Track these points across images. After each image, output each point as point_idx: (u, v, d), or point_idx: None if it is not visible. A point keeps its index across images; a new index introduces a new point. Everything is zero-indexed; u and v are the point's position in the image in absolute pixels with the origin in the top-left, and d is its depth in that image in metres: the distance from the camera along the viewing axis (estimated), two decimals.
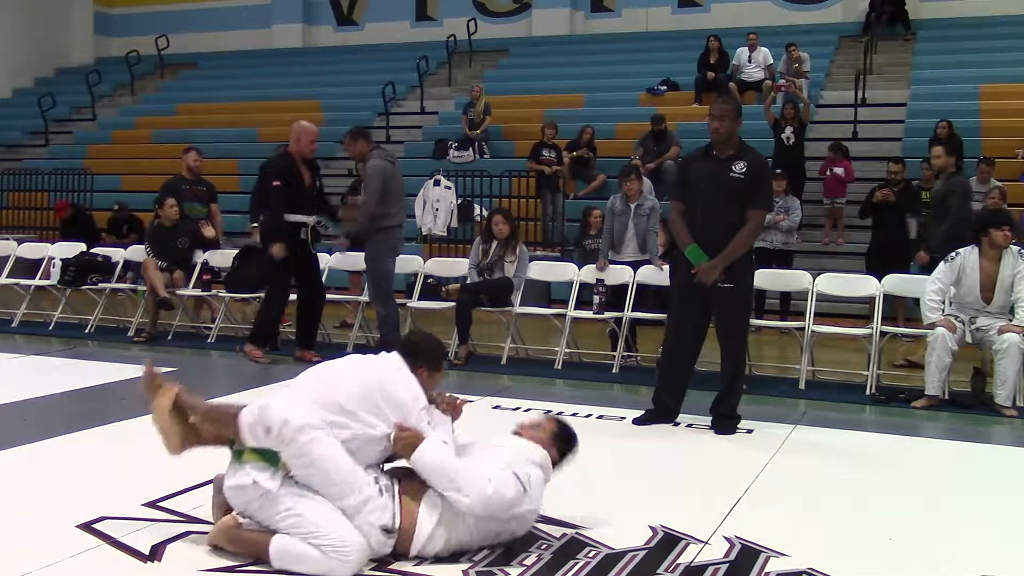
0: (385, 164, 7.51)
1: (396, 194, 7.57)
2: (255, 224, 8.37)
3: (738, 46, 14.72)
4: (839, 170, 11.69)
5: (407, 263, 8.78)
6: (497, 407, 5.89)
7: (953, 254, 6.47)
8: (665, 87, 15.39)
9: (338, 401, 3.27)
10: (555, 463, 3.56)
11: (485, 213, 9.67)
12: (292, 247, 7.40)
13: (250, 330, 7.79)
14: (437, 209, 12.11)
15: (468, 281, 8.09)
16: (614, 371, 7.37)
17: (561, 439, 3.62)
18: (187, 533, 3.44)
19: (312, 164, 7.63)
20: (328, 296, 8.61)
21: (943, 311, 6.39)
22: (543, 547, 3.38)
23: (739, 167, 5.29)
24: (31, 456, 4.56)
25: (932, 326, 6.31)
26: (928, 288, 6.43)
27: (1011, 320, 6.24)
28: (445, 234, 12.20)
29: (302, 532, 3.11)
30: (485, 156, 14.12)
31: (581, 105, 15.51)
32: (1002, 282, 6.27)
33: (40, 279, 9.73)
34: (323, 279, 8.07)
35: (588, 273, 7.96)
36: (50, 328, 9.08)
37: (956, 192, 7.89)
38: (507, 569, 3.19)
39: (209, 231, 9.04)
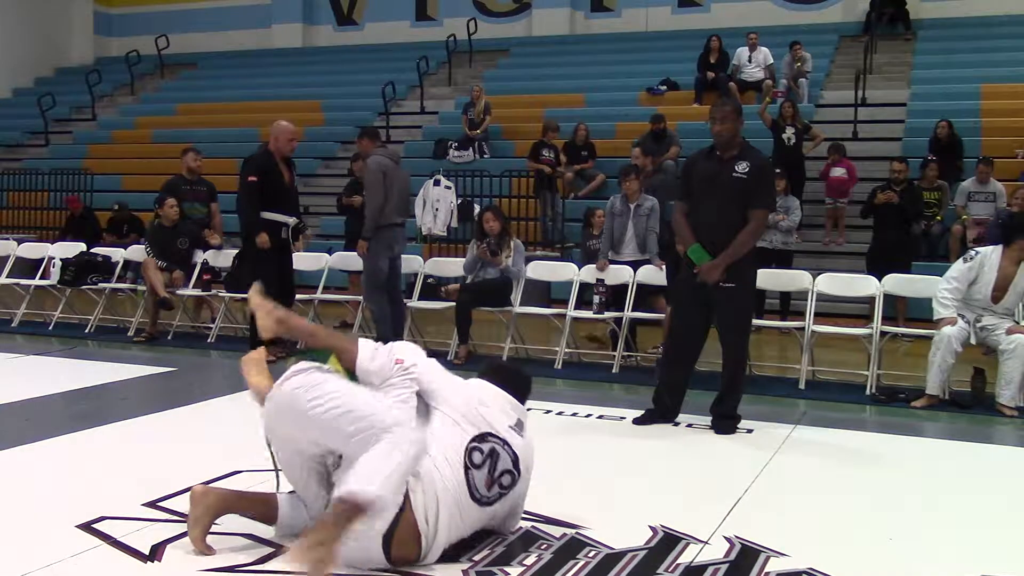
0: (386, 162, 7.55)
1: (397, 194, 7.58)
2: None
3: (738, 46, 14.72)
4: (839, 171, 11.69)
5: (407, 263, 8.77)
6: None
7: (974, 252, 6.43)
8: (665, 87, 15.40)
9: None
10: None
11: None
12: (274, 246, 7.44)
13: (249, 337, 7.78)
14: (437, 209, 12.10)
15: (466, 280, 8.09)
16: (614, 371, 7.37)
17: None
18: (187, 533, 3.44)
19: (290, 163, 7.67)
20: (327, 296, 8.63)
21: (954, 309, 6.33)
22: (543, 547, 3.38)
23: (741, 167, 5.30)
24: (31, 456, 4.55)
25: (939, 324, 6.29)
26: (942, 285, 6.38)
27: (1017, 321, 6.24)
28: (445, 234, 12.19)
29: (354, 415, 3.04)
30: (485, 156, 14.12)
31: (581, 105, 15.51)
32: (1016, 285, 6.25)
33: (40, 279, 9.74)
34: (294, 279, 8.06)
35: (588, 273, 7.96)
36: (50, 328, 9.08)
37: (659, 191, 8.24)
38: (507, 569, 3.18)
39: (215, 239, 9.06)
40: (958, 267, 6.41)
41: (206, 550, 3.24)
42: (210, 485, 3.44)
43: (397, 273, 7.85)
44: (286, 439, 3.24)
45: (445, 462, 3.18)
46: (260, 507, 3.40)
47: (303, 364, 3.24)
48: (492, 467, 3.26)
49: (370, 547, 3.07)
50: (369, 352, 3.29)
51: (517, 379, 3.65)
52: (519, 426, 3.43)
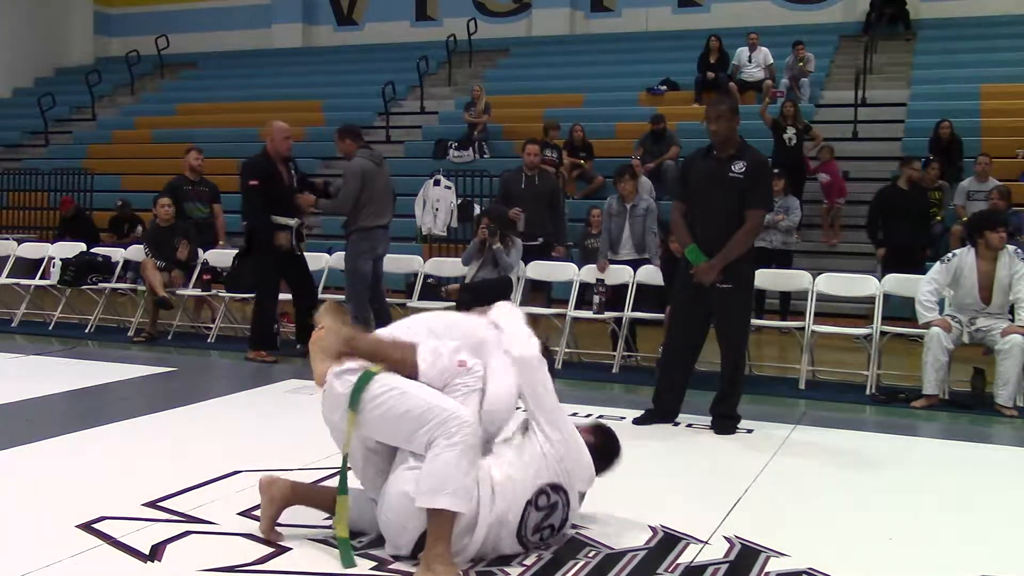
0: (368, 164, 7.54)
1: (380, 196, 7.58)
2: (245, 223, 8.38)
3: (738, 46, 14.73)
4: (824, 176, 11.73)
5: (407, 263, 8.81)
6: None
7: (950, 255, 6.49)
8: (665, 87, 15.40)
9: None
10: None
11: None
12: (277, 249, 7.44)
13: (249, 337, 7.81)
14: (437, 209, 12.11)
15: (465, 280, 8.09)
16: (614, 371, 7.37)
17: (601, 433, 3.59)
18: (187, 533, 3.45)
19: (288, 163, 7.69)
20: (327, 296, 8.62)
21: (939, 310, 6.40)
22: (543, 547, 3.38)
23: (738, 167, 5.29)
24: (31, 456, 4.55)
25: (927, 325, 6.33)
26: (922, 288, 6.44)
27: (1011, 320, 6.26)
28: (445, 234, 12.19)
29: (412, 415, 3.07)
30: (485, 156, 14.12)
31: (581, 105, 15.50)
32: (999, 282, 6.28)
33: (40, 279, 9.74)
34: (313, 278, 8.05)
35: (588, 273, 7.97)
36: (50, 328, 9.08)
37: (558, 190, 8.74)
38: (507, 569, 3.18)
39: (183, 253, 8.84)
40: (936, 268, 6.50)
41: (273, 537, 3.34)
42: (275, 476, 3.46)
43: (379, 275, 7.83)
44: (338, 430, 3.27)
45: (512, 488, 3.19)
46: (325, 501, 3.44)
47: (353, 364, 3.23)
48: (547, 516, 3.26)
49: (408, 526, 3.12)
50: (428, 362, 3.23)
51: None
52: (581, 496, 3.44)
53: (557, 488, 3.27)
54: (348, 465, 3.23)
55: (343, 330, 3.29)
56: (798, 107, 12.22)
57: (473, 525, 3.13)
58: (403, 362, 3.23)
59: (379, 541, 3.34)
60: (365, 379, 3.16)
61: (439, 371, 3.21)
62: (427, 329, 3.37)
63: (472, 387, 3.22)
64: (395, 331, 3.42)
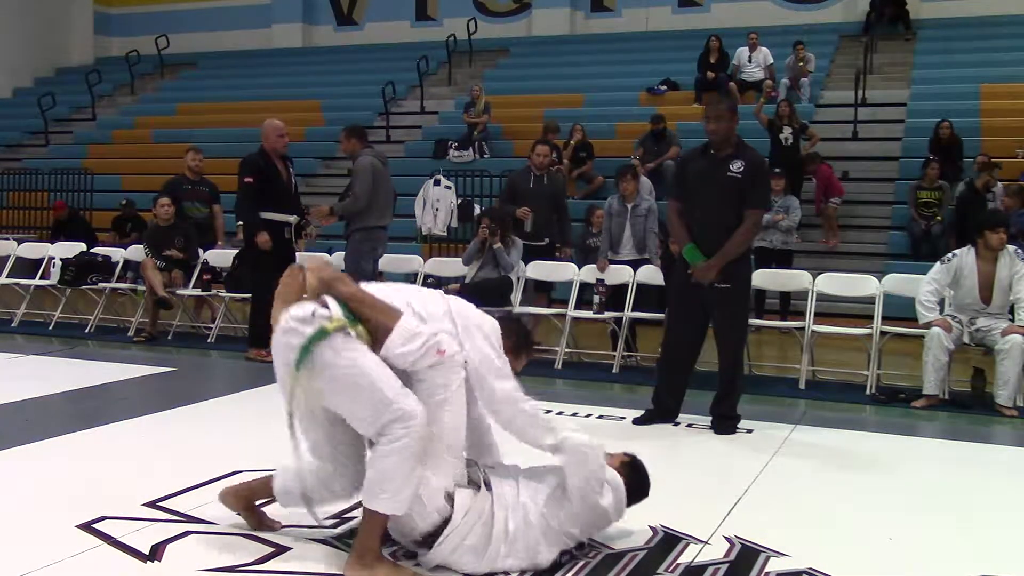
0: (376, 162, 7.60)
1: (384, 196, 7.65)
2: (240, 223, 8.36)
3: (738, 46, 14.74)
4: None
5: (407, 263, 8.80)
6: None
7: (950, 255, 6.49)
8: (665, 87, 15.41)
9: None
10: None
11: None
12: (276, 246, 7.46)
13: (248, 336, 7.80)
14: (437, 209, 12.12)
15: (466, 279, 8.09)
16: (614, 371, 7.37)
17: (632, 470, 3.52)
18: (187, 533, 3.44)
19: (287, 161, 7.71)
20: None
21: (939, 311, 6.41)
22: None
23: (736, 166, 5.27)
24: (31, 456, 4.55)
25: (928, 325, 6.33)
26: (923, 288, 6.44)
27: (1011, 320, 6.26)
28: (445, 234, 12.20)
29: (357, 383, 2.97)
30: (485, 156, 14.12)
31: (581, 105, 15.51)
32: (1000, 283, 6.28)
33: (40, 279, 9.73)
34: None
35: (588, 273, 7.96)
36: (50, 328, 9.08)
37: (564, 191, 8.62)
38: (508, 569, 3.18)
39: (175, 253, 8.86)
40: (936, 268, 6.51)
41: (273, 525, 3.46)
42: (228, 486, 3.55)
43: (374, 275, 7.82)
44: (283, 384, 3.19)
45: (534, 556, 3.17)
46: (268, 489, 3.47)
47: (324, 312, 3.07)
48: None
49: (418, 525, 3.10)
50: (403, 337, 3.05)
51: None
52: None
53: (581, 545, 3.30)
54: (295, 428, 3.16)
55: (324, 270, 3.18)
56: (793, 107, 12.22)
57: (484, 550, 3.11)
58: (378, 324, 3.08)
59: None
60: (318, 336, 3.01)
61: (403, 354, 3.04)
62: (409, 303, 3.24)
63: (444, 390, 3.08)
64: (385, 292, 3.27)
